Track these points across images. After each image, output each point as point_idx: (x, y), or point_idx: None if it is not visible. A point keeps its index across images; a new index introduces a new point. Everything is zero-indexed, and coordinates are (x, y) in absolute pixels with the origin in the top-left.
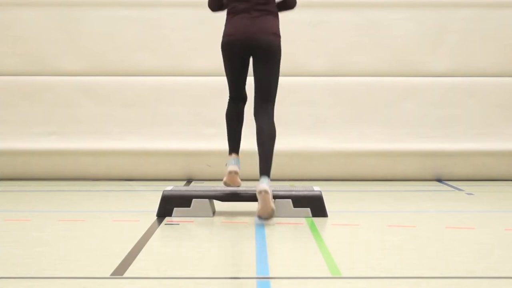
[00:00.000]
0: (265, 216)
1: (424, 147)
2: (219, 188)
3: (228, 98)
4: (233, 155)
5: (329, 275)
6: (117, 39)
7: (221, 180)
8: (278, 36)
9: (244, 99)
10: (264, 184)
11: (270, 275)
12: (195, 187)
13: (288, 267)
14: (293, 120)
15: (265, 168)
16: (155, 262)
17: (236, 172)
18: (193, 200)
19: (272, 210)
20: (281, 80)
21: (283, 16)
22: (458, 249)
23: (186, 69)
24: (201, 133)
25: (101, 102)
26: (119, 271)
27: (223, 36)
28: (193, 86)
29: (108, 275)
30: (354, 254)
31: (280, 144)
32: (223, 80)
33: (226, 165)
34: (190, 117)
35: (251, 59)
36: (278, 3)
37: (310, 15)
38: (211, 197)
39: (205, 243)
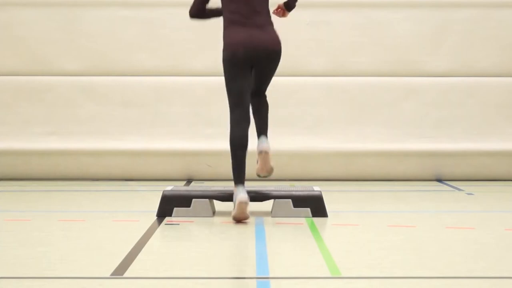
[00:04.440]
0: (264, 174)
1: (424, 147)
2: (219, 188)
3: (231, 120)
4: (240, 185)
5: (329, 275)
6: (117, 39)
7: (221, 180)
8: (280, 44)
9: (249, 119)
10: (265, 144)
11: (270, 275)
12: (195, 187)
13: (288, 267)
14: (293, 120)
15: (264, 128)
16: (155, 262)
17: (246, 203)
18: (193, 200)
19: (271, 169)
20: (281, 80)
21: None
22: (458, 249)
23: (186, 69)
24: (201, 133)
25: (101, 102)
26: (119, 271)
27: (227, 49)
28: (193, 86)
29: (108, 275)
30: (354, 254)
31: (280, 144)
32: (223, 80)
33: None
34: (190, 117)
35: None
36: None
37: (310, 15)
38: (211, 197)
39: (205, 243)
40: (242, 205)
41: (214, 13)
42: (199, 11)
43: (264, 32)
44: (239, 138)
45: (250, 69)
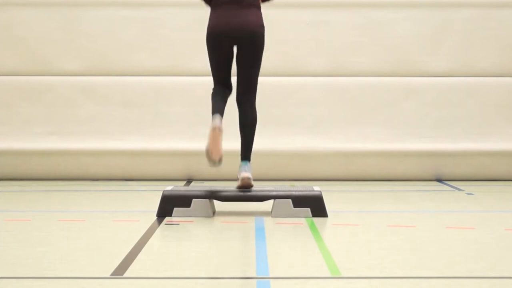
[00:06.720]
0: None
1: (424, 147)
2: (219, 188)
3: (213, 87)
4: (216, 114)
5: (329, 275)
6: (117, 39)
7: (221, 180)
8: (262, 27)
9: (229, 87)
10: (246, 173)
11: (270, 275)
12: (195, 187)
13: (288, 267)
14: (293, 120)
15: (247, 150)
16: (155, 262)
17: (220, 129)
18: (193, 200)
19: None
20: (281, 80)
21: (283, 17)
22: (458, 249)
23: (186, 69)
24: (201, 133)
25: (101, 102)
26: (119, 271)
27: (208, 28)
28: (193, 86)
29: (108, 275)
30: (354, 254)
31: (280, 144)
32: None
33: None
34: (190, 117)
35: (235, 49)
36: None
37: (310, 15)
38: (211, 197)
39: (205, 243)
40: (215, 131)
41: None
42: None
43: (250, 13)
44: (215, 92)
45: (230, 49)
